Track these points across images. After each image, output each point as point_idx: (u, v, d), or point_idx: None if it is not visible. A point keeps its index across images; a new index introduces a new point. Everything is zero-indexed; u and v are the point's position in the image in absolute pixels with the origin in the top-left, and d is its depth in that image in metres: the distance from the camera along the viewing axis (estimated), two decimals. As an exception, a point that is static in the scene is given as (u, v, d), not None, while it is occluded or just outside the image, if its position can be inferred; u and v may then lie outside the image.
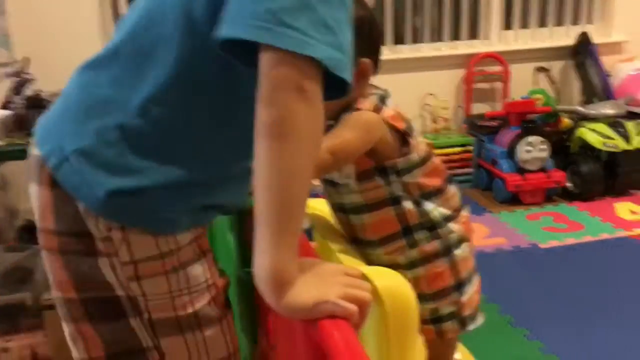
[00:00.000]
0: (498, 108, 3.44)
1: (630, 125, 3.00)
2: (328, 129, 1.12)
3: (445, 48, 3.47)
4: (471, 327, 1.22)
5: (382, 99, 1.16)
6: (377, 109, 1.12)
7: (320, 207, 1.35)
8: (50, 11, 2.81)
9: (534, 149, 2.93)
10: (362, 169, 1.14)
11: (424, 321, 1.17)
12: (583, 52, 3.42)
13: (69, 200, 0.72)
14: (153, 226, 0.73)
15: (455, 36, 3.51)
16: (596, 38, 3.47)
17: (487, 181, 3.18)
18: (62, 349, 1.87)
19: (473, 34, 3.54)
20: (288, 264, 0.62)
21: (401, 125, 1.14)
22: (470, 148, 3.25)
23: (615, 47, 3.60)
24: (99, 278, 0.74)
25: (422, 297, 1.13)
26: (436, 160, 1.20)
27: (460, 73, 3.44)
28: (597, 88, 3.37)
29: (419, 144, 1.17)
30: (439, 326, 1.21)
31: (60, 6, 2.82)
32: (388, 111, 1.14)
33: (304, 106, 0.61)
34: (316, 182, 1.27)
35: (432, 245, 1.17)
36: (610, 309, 2.00)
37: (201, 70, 0.70)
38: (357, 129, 1.10)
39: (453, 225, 1.19)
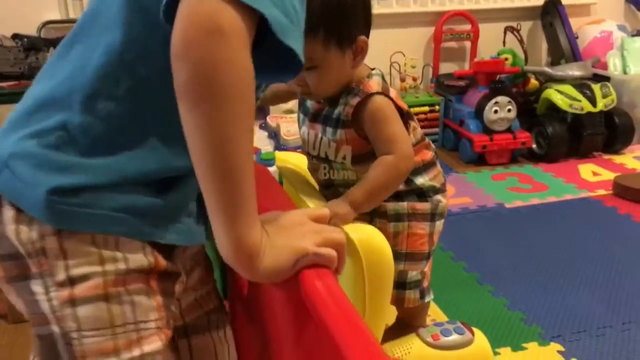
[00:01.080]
0: (466, 68, 3.42)
1: (595, 87, 3.02)
2: (330, 112, 1.13)
3: (415, 5, 3.41)
4: (427, 299, 1.25)
5: (383, 78, 1.14)
6: (385, 90, 1.11)
7: (295, 161, 1.32)
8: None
9: (501, 110, 2.92)
10: (359, 152, 1.14)
11: None
12: (552, 12, 3.41)
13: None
14: (96, 229, 0.62)
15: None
16: (564, -1, 3.46)
17: (454, 141, 3.18)
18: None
19: (443, -9, 3.48)
20: (251, 236, 0.57)
21: (405, 106, 1.14)
22: (438, 108, 3.23)
23: (583, 9, 3.61)
24: (36, 308, 0.64)
25: (396, 255, 1.14)
26: (425, 137, 1.23)
27: (429, 31, 3.39)
28: (564, 49, 3.37)
29: (417, 125, 1.19)
30: (402, 293, 1.22)
31: None
32: (392, 91, 1.14)
33: (226, 53, 0.51)
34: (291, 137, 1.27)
35: (422, 205, 1.20)
36: (572, 266, 2.03)
37: (147, 52, 0.62)
38: (393, 118, 1.09)
39: (441, 197, 1.23)
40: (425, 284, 1.25)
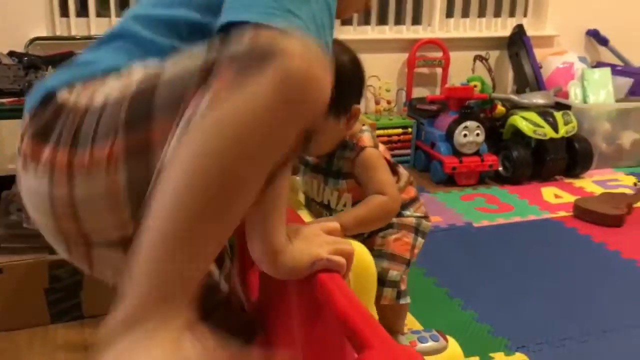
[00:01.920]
0: (437, 93, 3.59)
1: (558, 115, 3.21)
2: (329, 164, 1.29)
3: (390, 32, 3.57)
4: (402, 301, 1.41)
5: (372, 133, 1.30)
6: (376, 145, 1.27)
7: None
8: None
9: (470, 134, 3.08)
10: (359, 199, 1.28)
11: None
12: (517, 43, 3.61)
13: None
14: None
15: (400, 21, 3.62)
16: (530, 31, 3.67)
17: (425, 163, 3.32)
18: (8, 313, 1.85)
19: (416, 21, 3.66)
20: (278, 237, 0.70)
21: (390, 159, 1.30)
22: (410, 130, 3.38)
23: (547, 41, 3.82)
24: None
25: (381, 254, 1.30)
26: (410, 177, 1.42)
27: (403, 57, 3.55)
28: (529, 78, 3.57)
29: (403, 171, 1.38)
30: (380, 289, 1.37)
31: None
32: (381, 146, 1.32)
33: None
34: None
35: (409, 219, 1.39)
36: (535, 281, 2.17)
37: None
38: (381, 167, 1.26)
39: (424, 221, 1.44)
40: (403, 287, 1.38)
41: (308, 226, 0.78)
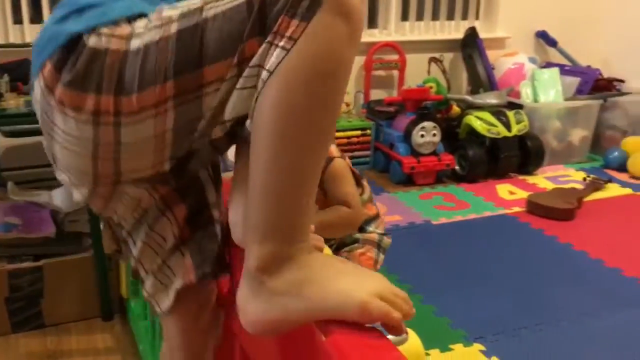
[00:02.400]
0: (394, 94, 3.66)
1: (510, 114, 3.31)
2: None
3: (347, 35, 3.62)
4: None
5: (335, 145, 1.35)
6: (342, 156, 1.31)
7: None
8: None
9: (427, 134, 3.16)
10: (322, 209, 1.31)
11: None
12: (471, 45, 3.72)
13: None
14: None
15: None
16: (482, 33, 3.78)
17: (384, 163, 3.38)
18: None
19: (373, 24, 3.72)
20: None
21: (356, 171, 1.35)
22: (369, 132, 3.44)
23: (498, 42, 3.94)
24: None
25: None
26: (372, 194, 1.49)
27: (360, 60, 3.61)
28: (482, 79, 3.68)
29: (367, 184, 1.44)
30: None
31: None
32: (347, 159, 1.38)
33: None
34: None
35: (371, 235, 1.46)
36: (491, 276, 2.25)
37: None
38: (347, 178, 1.32)
39: (385, 238, 1.50)
40: None
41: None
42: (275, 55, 0.62)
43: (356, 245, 1.43)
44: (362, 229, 1.45)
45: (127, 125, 0.70)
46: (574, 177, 3.38)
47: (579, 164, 3.60)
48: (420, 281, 2.19)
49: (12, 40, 2.83)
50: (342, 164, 1.31)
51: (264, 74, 0.63)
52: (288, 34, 0.62)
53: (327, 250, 1.22)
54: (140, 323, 1.72)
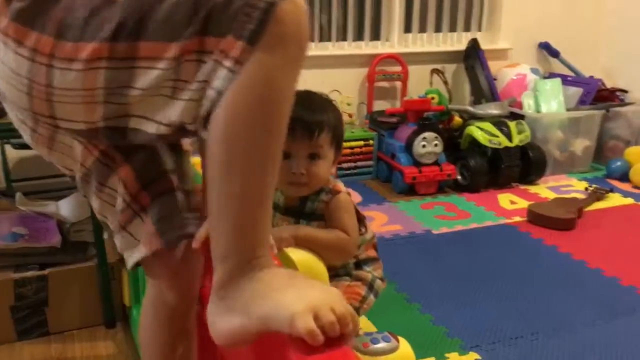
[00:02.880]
0: (397, 105, 3.70)
1: (512, 124, 3.34)
2: (301, 207, 1.37)
3: (350, 48, 3.68)
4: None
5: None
6: (348, 193, 1.35)
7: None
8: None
9: (428, 144, 3.19)
10: None
11: None
12: (473, 56, 3.75)
13: None
14: None
15: (359, 37, 3.73)
16: (484, 45, 3.82)
17: (387, 173, 3.42)
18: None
19: (376, 36, 3.77)
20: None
21: (360, 211, 1.40)
22: (372, 142, 3.47)
23: (501, 54, 3.97)
24: None
25: None
26: (374, 237, 1.51)
27: (363, 72, 3.66)
28: (484, 90, 3.71)
29: (370, 228, 1.47)
30: None
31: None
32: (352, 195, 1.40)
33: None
34: None
35: (366, 274, 1.48)
36: (489, 284, 2.27)
37: None
38: (350, 212, 1.35)
39: (380, 283, 1.52)
40: None
41: None
42: (222, 77, 0.65)
43: (345, 277, 1.44)
44: (358, 266, 1.47)
45: (58, 69, 0.72)
46: (576, 186, 3.40)
47: (581, 174, 3.62)
48: (418, 290, 2.22)
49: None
50: (346, 199, 1.34)
51: (211, 92, 0.66)
52: (234, 54, 0.64)
53: (312, 260, 1.25)
54: (141, 330, 1.76)
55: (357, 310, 1.46)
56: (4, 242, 1.93)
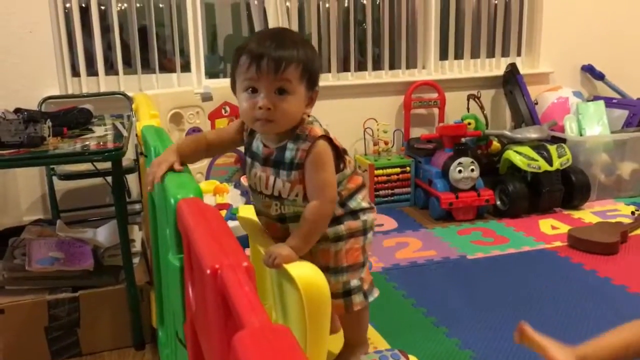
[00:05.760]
0: (434, 132, 3.69)
1: (552, 148, 3.27)
2: (280, 156, 1.34)
3: (387, 76, 3.71)
4: (370, 299, 1.47)
5: (319, 123, 1.38)
6: (326, 132, 1.34)
7: (249, 212, 1.54)
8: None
9: (464, 170, 3.16)
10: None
11: (335, 295, 1.39)
12: (511, 81, 3.71)
13: None
14: None
15: (395, 66, 3.76)
16: (523, 69, 3.78)
17: (424, 200, 3.39)
18: (11, 352, 1.98)
19: (412, 64, 3.80)
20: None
21: (341, 145, 1.37)
22: (409, 169, 3.47)
23: (541, 78, 3.92)
24: None
25: (339, 270, 1.39)
26: (356, 166, 1.46)
27: (399, 99, 3.68)
28: (524, 114, 3.65)
29: (350, 158, 1.42)
30: (349, 299, 1.43)
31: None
32: (330, 133, 1.37)
33: None
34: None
35: (356, 224, 1.42)
36: (523, 310, 2.20)
37: None
38: (328, 164, 1.32)
39: (370, 215, 1.46)
40: (366, 286, 1.46)
41: None
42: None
43: (340, 243, 1.40)
44: (344, 205, 1.41)
45: None
46: (622, 211, 3.27)
47: (629, 198, 3.48)
48: (446, 314, 2.18)
49: (70, 91, 3.08)
50: (323, 146, 1.30)
51: None
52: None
53: (313, 270, 1.26)
54: (164, 351, 1.80)
55: (364, 263, 1.45)
56: (41, 265, 2.03)
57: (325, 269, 1.37)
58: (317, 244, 1.39)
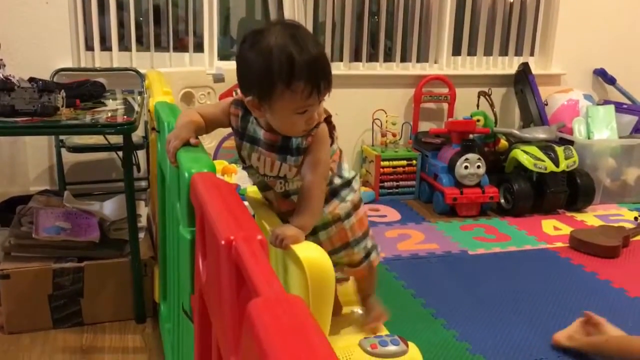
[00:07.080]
0: (443, 127, 3.69)
1: (559, 150, 3.27)
2: (286, 143, 1.34)
3: (397, 68, 3.72)
4: (379, 249, 1.55)
5: None
6: (327, 112, 1.35)
7: (257, 192, 1.56)
8: None
9: (471, 166, 3.17)
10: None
11: (359, 262, 1.48)
12: (522, 81, 3.71)
13: None
14: None
15: (408, 58, 3.76)
16: (536, 69, 3.78)
17: (428, 194, 3.40)
18: (14, 317, 2.01)
19: (424, 58, 3.80)
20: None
21: (330, 113, 1.38)
22: (415, 162, 3.48)
23: (553, 79, 3.92)
24: None
25: (359, 240, 1.44)
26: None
27: (410, 92, 3.68)
28: (533, 114, 3.66)
29: (337, 134, 1.43)
30: (369, 260, 1.50)
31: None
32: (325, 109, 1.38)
33: None
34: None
35: (356, 196, 1.46)
36: (521, 307, 2.22)
37: None
38: (326, 145, 1.35)
39: (357, 182, 1.49)
40: (370, 244, 1.51)
41: None
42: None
43: (347, 221, 1.44)
44: (341, 176, 1.44)
45: None
46: (626, 216, 3.28)
47: (633, 204, 3.49)
48: (446, 307, 2.20)
49: (83, 65, 3.09)
50: (323, 129, 1.34)
51: None
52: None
53: (319, 252, 1.28)
54: (165, 325, 1.82)
55: (364, 237, 1.48)
56: (48, 234, 2.05)
57: (347, 245, 1.43)
58: (333, 227, 1.41)
